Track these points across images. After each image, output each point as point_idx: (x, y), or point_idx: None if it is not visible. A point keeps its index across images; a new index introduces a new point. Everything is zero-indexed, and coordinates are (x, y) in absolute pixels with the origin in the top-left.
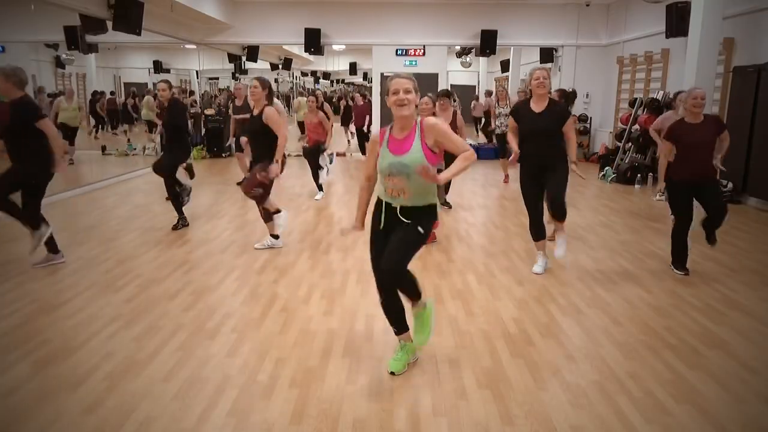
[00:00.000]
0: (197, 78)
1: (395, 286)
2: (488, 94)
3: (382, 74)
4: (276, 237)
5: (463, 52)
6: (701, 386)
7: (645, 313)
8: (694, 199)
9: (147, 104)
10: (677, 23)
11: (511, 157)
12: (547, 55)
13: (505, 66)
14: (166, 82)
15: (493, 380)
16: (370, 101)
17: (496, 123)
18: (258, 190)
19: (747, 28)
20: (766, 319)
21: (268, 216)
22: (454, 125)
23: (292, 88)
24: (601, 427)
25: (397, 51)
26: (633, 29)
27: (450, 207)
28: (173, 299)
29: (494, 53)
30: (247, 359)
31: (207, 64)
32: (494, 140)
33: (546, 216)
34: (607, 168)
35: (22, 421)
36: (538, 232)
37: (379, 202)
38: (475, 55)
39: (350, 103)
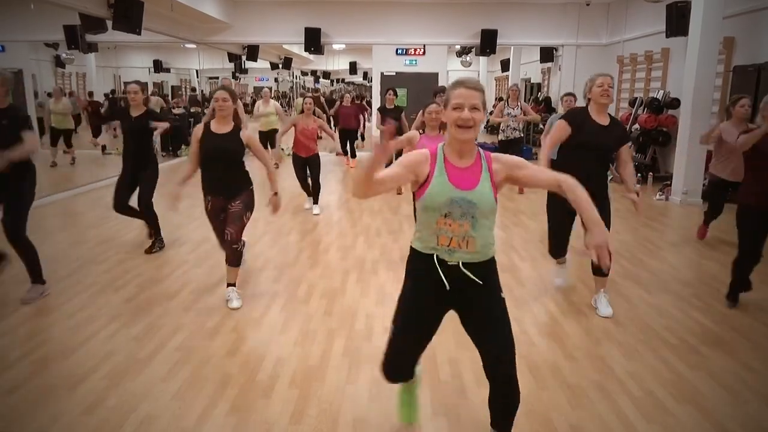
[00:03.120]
0: (197, 77)
1: (514, 375)
2: None
3: (382, 73)
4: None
5: (463, 51)
6: (702, 386)
7: (645, 313)
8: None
9: (156, 105)
10: (677, 22)
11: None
12: (548, 54)
13: (505, 65)
14: (138, 83)
15: None
16: (360, 104)
17: (502, 126)
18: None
19: (747, 27)
20: (766, 319)
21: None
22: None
23: (292, 87)
24: (602, 427)
25: (397, 50)
26: (633, 28)
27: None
28: (173, 299)
29: (494, 53)
30: (246, 359)
31: (207, 64)
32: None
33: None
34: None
35: (23, 421)
36: (559, 252)
37: (423, 258)
38: (476, 55)
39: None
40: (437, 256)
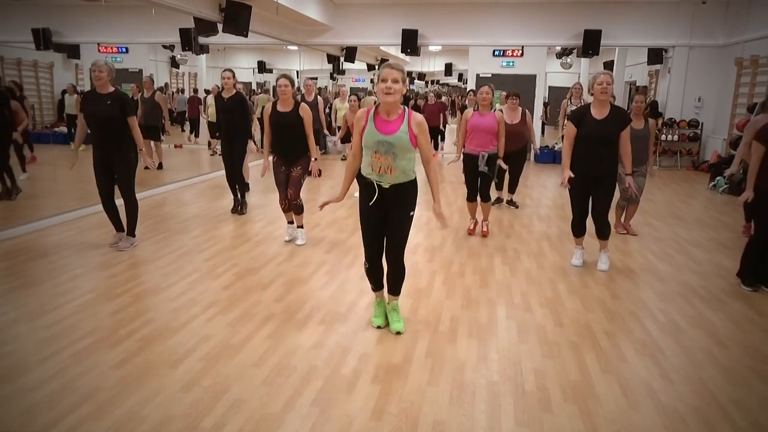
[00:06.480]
0: (297, 77)
1: (400, 260)
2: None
3: (477, 75)
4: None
5: (564, 52)
6: None
7: (755, 337)
8: None
9: (261, 102)
10: None
11: (561, 181)
12: (656, 56)
13: (608, 67)
14: (230, 70)
15: (580, 395)
16: (442, 102)
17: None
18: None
19: None
20: None
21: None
22: (523, 124)
23: None
24: None
25: (494, 52)
26: (755, 28)
27: (516, 207)
28: (266, 289)
29: (597, 54)
30: (332, 352)
31: (307, 65)
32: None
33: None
34: (718, 178)
35: (127, 393)
36: (579, 231)
37: (368, 182)
38: (577, 56)
39: (418, 102)
40: (374, 179)
